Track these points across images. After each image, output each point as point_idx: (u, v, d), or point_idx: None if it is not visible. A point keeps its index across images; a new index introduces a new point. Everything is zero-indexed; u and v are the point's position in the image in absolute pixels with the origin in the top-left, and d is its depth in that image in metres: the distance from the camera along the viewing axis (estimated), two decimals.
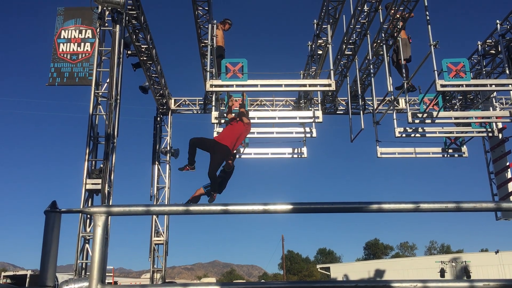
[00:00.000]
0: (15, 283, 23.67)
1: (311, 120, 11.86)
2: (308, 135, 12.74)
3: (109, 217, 2.22)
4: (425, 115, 11.49)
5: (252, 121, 11.80)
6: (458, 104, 14.84)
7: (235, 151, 10.43)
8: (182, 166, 10.11)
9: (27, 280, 23.48)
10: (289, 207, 2.20)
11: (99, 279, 2.02)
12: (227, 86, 9.90)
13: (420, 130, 12.03)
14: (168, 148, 16.48)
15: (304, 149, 13.44)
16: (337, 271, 29.60)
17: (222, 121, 11.72)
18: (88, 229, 9.41)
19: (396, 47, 11.50)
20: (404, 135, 11.93)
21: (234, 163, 10.61)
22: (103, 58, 10.75)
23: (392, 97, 11.76)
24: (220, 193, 10.63)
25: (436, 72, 9.61)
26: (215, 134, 12.78)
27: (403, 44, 11.28)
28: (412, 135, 12.02)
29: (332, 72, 9.80)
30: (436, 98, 11.66)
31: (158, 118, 16.64)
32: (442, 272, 19.90)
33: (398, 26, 11.08)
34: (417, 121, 11.38)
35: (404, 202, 2.19)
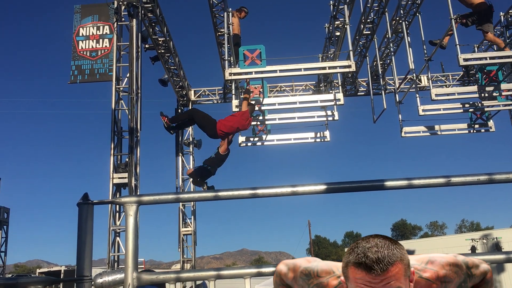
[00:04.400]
0: None
1: (332, 103, 11.74)
2: (330, 118, 12.62)
3: (139, 207, 2.25)
4: (448, 91, 11.26)
5: (272, 107, 11.78)
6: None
7: (231, 136, 10.68)
8: (165, 117, 10.42)
9: (61, 275, 24.16)
10: (318, 188, 2.19)
11: (134, 267, 2.05)
12: (246, 73, 9.87)
13: (444, 106, 11.80)
14: (191, 139, 16.58)
15: (327, 133, 13.34)
16: None
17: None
18: (118, 222, 9.59)
19: None
20: (428, 113, 11.73)
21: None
22: (122, 53, 10.83)
23: (414, 75, 11.55)
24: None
25: (458, 46, 9.39)
26: None
27: None
28: (436, 112, 11.79)
29: (351, 53, 9.66)
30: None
31: (179, 110, 16.73)
32: (473, 250, 19.61)
33: None
34: (440, 97, 11.16)
35: (435, 177, 2.15)
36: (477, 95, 11.79)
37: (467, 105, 12.05)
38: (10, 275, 25.95)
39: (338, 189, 2.27)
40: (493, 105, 12.15)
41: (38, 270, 27.24)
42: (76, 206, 2.15)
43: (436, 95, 10.89)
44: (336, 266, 1.75)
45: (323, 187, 2.18)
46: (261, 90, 12.23)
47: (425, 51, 10.88)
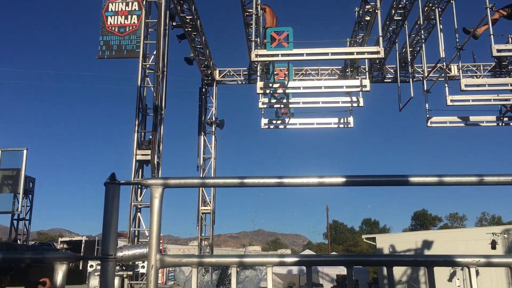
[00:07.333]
0: (71, 248, 25.18)
1: (358, 89, 11.56)
2: (355, 105, 12.46)
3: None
4: (479, 82, 10.98)
5: (297, 91, 11.70)
6: None
7: None
8: None
9: (82, 245, 24.90)
10: (345, 180, 2.15)
11: (157, 249, 2.07)
12: (273, 55, 9.78)
13: (473, 97, 11.52)
14: (214, 119, 16.62)
15: (351, 119, 13.22)
16: (383, 242, 29.32)
17: (268, 91, 11.64)
18: (140, 198, 9.72)
19: None
20: (456, 103, 11.46)
21: None
22: (149, 30, 10.85)
23: (444, 63, 11.28)
24: None
25: (492, 36, 9.11)
26: (260, 105, 12.73)
27: None
28: (465, 103, 11.52)
29: (380, 38, 9.47)
30: None
31: (203, 89, 16.76)
32: (494, 244, 19.22)
33: None
34: (470, 88, 10.89)
35: (467, 175, 2.09)
36: (508, 87, 11.48)
37: (496, 97, 11.74)
38: (33, 242, 26.76)
39: (365, 182, 2.23)
40: None
41: (60, 239, 28.03)
42: (103, 185, 2.17)
43: (466, 85, 10.63)
44: None
45: (350, 179, 2.15)
46: (286, 73, 12.13)
47: (457, 40, 10.61)
